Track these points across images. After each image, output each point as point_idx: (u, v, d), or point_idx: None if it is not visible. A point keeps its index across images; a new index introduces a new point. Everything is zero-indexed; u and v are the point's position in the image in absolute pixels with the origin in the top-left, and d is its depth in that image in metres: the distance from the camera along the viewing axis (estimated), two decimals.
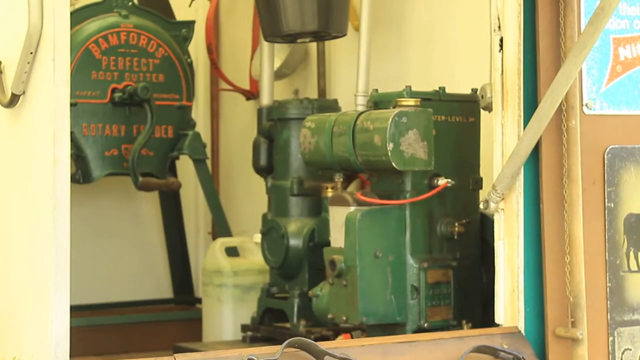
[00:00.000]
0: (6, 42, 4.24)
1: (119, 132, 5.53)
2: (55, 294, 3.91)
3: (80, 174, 4.81)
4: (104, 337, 4.41)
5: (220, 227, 5.84)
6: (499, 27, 3.91)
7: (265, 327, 4.98)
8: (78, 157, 4.46)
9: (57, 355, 3.85)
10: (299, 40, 5.30)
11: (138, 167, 5.56)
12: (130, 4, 5.75)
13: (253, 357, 3.22)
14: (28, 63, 4.12)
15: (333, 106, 5.22)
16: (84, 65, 4.93)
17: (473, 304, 4.30)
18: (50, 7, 4.06)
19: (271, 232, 5.03)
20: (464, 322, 4.19)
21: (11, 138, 4.32)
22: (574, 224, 3.81)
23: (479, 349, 3.59)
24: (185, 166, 5.91)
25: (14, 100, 4.15)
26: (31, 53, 4.17)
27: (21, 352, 4.15)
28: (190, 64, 5.87)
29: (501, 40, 3.90)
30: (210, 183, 5.93)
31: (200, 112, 6.09)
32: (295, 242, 4.90)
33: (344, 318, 4.26)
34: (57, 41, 4.11)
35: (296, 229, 4.93)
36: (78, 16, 5.18)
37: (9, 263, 4.31)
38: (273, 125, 5.19)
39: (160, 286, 6.24)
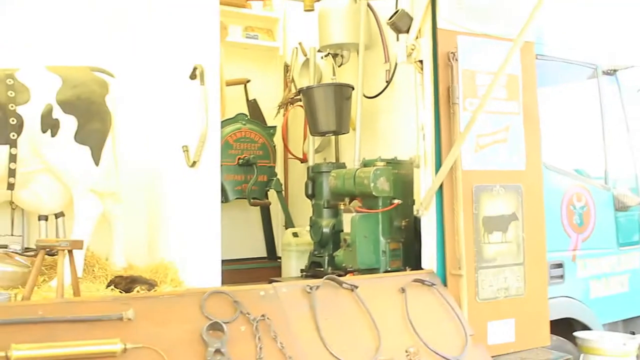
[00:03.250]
0: (190, 134, 4.35)
1: (241, 178, 5.58)
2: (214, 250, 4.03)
3: (224, 197, 4.78)
4: (235, 274, 4.40)
5: (288, 223, 5.83)
6: (423, 129, 4.02)
7: (312, 270, 4.96)
8: (222, 189, 4.45)
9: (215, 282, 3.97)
10: (326, 135, 5.32)
11: (250, 195, 5.63)
12: (246, 117, 5.79)
13: (308, 285, 3.33)
14: (202, 144, 4.25)
15: (342, 166, 5.16)
16: (225, 147, 4.91)
17: (411, 259, 4.29)
18: (214, 118, 4.18)
19: (314, 225, 5.01)
20: (407, 268, 4.22)
21: (193, 187, 4.43)
22: (458, 221, 3.93)
23: (415, 280, 3.69)
24: (272, 194, 5.90)
25: (194, 165, 4.27)
26: (202, 142, 4.29)
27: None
28: (274, 146, 5.86)
29: (424, 136, 4.01)
30: (284, 203, 5.89)
31: (279, 169, 6.06)
32: (325, 230, 4.88)
33: (351, 266, 4.32)
34: (214, 137, 4.24)
35: (326, 223, 4.91)
36: (223, 124, 5.10)
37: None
38: (314, 175, 5.20)
39: (260, 250, 6.17)
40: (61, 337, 2.51)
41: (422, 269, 3.97)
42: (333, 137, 5.50)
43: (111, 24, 5.39)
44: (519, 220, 4.16)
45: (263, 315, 2.94)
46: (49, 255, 3.90)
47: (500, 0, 4.26)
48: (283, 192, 5.95)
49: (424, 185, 4.01)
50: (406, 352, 3.12)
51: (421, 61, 4.02)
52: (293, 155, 6.10)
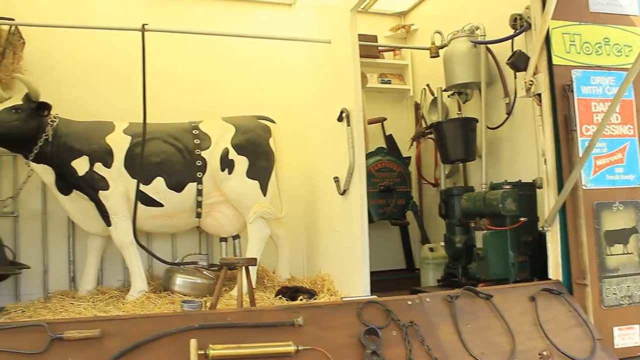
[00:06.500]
0: (340, 167, 4.40)
1: (383, 202, 5.55)
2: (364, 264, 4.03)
3: (369, 219, 4.67)
4: (379, 284, 4.35)
5: (424, 239, 5.74)
6: (544, 154, 3.85)
7: (447, 280, 4.83)
8: (367, 212, 4.40)
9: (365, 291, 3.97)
10: (455, 162, 5.22)
11: (391, 216, 5.61)
12: (385, 150, 5.79)
13: (449, 295, 3.25)
14: (350, 175, 4.28)
15: (471, 189, 5.05)
16: (369, 176, 4.85)
17: (537, 271, 4.06)
18: (359, 153, 4.21)
19: (448, 241, 4.91)
20: (535, 278, 4.03)
21: (344, 211, 4.48)
22: (582, 235, 3.72)
23: (543, 290, 3.52)
24: (409, 215, 5.84)
25: (344, 193, 4.31)
26: (350, 173, 4.33)
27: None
28: (409, 174, 5.81)
29: (545, 160, 3.84)
30: (420, 222, 5.83)
31: (414, 193, 5.98)
32: (458, 245, 4.77)
33: (483, 277, 4.20)
34: (360, 168, 4.26)
35: (458, 239, 4.79)
36: (366, 157, 5.01)
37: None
38: (446, 197, 5.09)
39: (400, 262, 6.07)
40: (246, 340, 2.59)
41: (548, 279, 3.76)
42: (461, 164, 5.38)
43: (270, 79, 5.65)
44: (639, 234, 3.87)
45: (411, 322, 2.90)
46: (229, 270, 4.05)
47: (607, 36, 4.03)
48: (419, 213, 5.87)
49: (547, 204, 3.82)
50: (539, 355, 2.96)
51: (539, 94, 3.86)
52: (426, 180, 6.02)
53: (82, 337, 2.41)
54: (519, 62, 4.05)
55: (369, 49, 5.98)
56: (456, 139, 4.93)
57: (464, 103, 5.29)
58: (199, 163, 4.61)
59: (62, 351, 2.39)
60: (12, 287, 4.93)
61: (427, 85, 5.90)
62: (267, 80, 5.63)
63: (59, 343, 2.40)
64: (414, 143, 6.10)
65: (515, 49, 4.31)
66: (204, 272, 4.65)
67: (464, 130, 4.92)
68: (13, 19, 4.58)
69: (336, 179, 4.51)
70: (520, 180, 4.35)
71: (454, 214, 4.96)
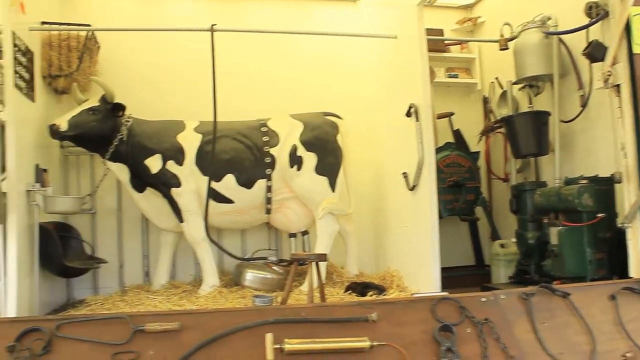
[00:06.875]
0: (408, 162, 4.36)
1: (451, 198, 5.48)
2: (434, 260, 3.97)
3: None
4: (448, 280, 4.25)
5: (494, 235, 5.67)
6: (623, 148, 3.70)
7: (519, 277, 4.75)
8: None
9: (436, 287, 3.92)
10: (527, 157, 5.08)
11: (460, 212, 5.54)
12: (453, 145, 5.71)
13: (524, 292, 3.16)
14: (419, 170, 4.24)
15: (543, 184, 4.94)
16: (437, 172, 4.72)
17: (616, 269, 3.94)
18: (428, 148, 4.17)
19: (520, 237, 4.83)
20: (614, 277, 3.91)
21: (413, 207, 4.44)
22: None
23: (625, 288, 3.37)
24: (478, 210, 5.75)
25: (413, 188, 4.27)
26: (420, 169, 4.28)
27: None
28: (478, 168, 5.72)
29: (625, 154, 3.67)
30: (490, 217, 5.75)
31: (483, 189, 5.87)
32: (531, 241, 4.69)
33: (558, 274, 4.09)
34: (430, 164, 4.21)
35: (531, 236, 4.71)
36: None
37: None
38: (518, 193, 5.00)
39: (468, 259, 5.99)
40: (318, 335, 2.59)
41: (629, 277, 3.60)
42: (533, 158, 5.24)
43: (336, 75, 5.65)
44: None
45: (486, 319, 2.83)
46: (299, 265, 4.08)
47: None
48: (488, 208, 5.77)
49: (627, 199, 3.66)
50: (623, 357, 2.84)
51: (618, 85, 3.69)
52: (496, 175, 5.90)
53: (162, 330, 2.47)
54: (596, 52, 3.90)
55: (435, 43, 5.91)
56: (528, 133, 4.82)
57: (535, 96, 5.15)
58: (267, 160, 4.66)
59: (144, 342, 2.46)
60: (90, 281, 5.14)
61: (496, 78, 5.78)
62: (333, 76, 5.64)
63: (141, 335, 2.47)
64: (483, 137, 5.99)
65: (590, 39, 4.16)
66: (274, 268, 4.70)
67: (536, 124, 4.80)
68: (90, 25, 4.76)
69: (405, 175, 4.47)
70: (597, 174, 4.20)
71: (526, 210, 4.86)
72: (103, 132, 4.42)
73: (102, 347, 2.42)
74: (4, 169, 3.64)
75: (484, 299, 2.99)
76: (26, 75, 4.07)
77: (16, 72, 3.84)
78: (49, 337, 2.39)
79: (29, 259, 3.86)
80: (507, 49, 5.23)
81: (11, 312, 3.49)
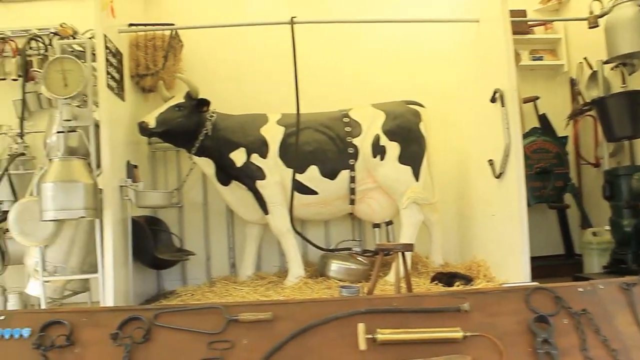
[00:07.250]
0: (494, 149, 4.24)
1: (539, 185, 5.32)
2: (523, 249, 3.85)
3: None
4: (537, 270, 4.04)
5: (585, 223, 5.44)
6: None
7: (615, 267, 4.52)
8: None
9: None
10: (622, 140, 4.85)
11: (549, 199, 5.36)
12: (539, 130, 5.53)
13: (625, 282, 3.00)
14: (506, 157, 4.09)
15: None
16: (524, 158, 4.61)
17: None
18: (515, 135, 4.01)
19: (615, 225, 4.62)
20: None
21: (500, 195, 4.32)
22: None
23: None
24: (567, 197, 5.54)
25: (499, 176, 4.16)
26: (506, 156, 4.15)
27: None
28: (567, 154, 5.54)
29: None
30: (580, 204, 5.53)
31: (573, 174, 5.65)
32: (627, 229, 4.47)
33: None
34: (517, 150, 4.07)
35: (627, 223, 4.48)
36: None
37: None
38: (611, 178, 4.75)
39: (557, 248, 5.74)
40: (409, 325, 2.56)
41: None
42: (627, 141, 4.98)
43: (417, 62, 5.55)
44: None
45: (584, 310, 2.71)
46: (385, 256, 4.05)
47: None
48: (578, 195, 5.55)
49: None
50: None
51: None
52: (586, 161, 5.66)
53: (256, 320, 2.52)
54: None
55: (518, 24, 5.66)
56: (622, 115, 4.58)
57: (629, 75, 4.88)
58: (350, 150, 4.65)
59: (238, 332, 2.51)
60: (179, 272, 5.31)
61: (585, 58, 5.53)
62: (413, 64, 5.54)
63: (235, 324, 2.53)
64: (571, 121, 5.74)
65: None
66: (358, 258, 4.70)
67: (631, 105, 4.56)
68: (173, 24, 4.90)
69: (491, 162, 4.35)
70: None
71: (621, 196, 4.63)
72: (189, 128, 4.54)
73: (198, 336, 2.49)
74: (98, 166, 3.81)
75: (581, 289, 2.86)
76: (117, 76, 4.24)
77: (108, 73, 4.01)
78: (148, 326, 2.48)
79: (123, 252, 4.02)
80: (597, 26, 4.96)
81: (109, 302, 3.67)
